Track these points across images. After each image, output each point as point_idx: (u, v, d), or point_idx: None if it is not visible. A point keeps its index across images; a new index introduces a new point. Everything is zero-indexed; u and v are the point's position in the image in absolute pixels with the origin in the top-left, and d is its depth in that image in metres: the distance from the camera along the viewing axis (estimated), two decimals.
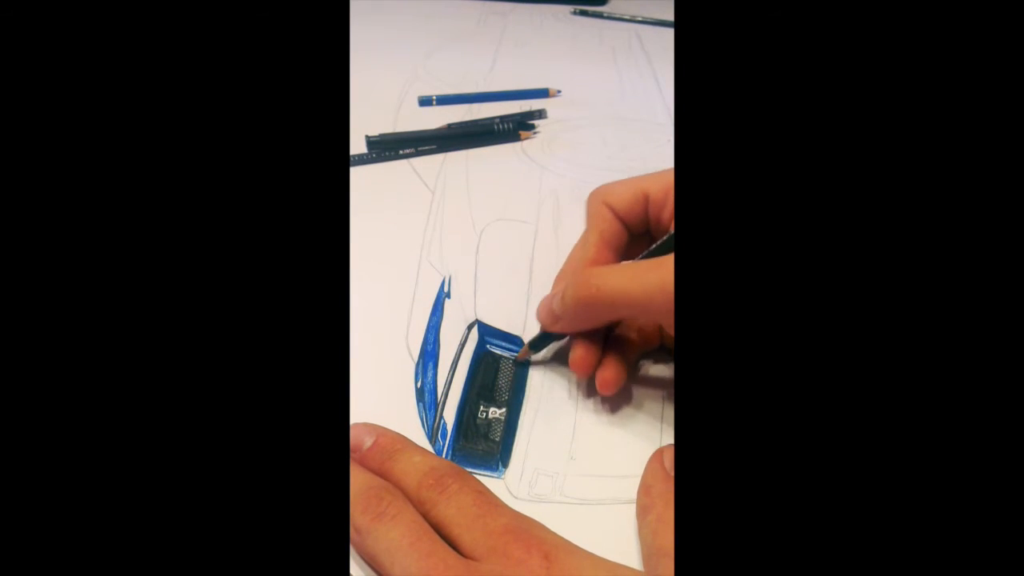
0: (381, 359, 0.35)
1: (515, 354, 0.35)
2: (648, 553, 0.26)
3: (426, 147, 0.51)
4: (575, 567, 0.24)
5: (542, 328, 0.34)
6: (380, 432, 0.29)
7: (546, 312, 0.33)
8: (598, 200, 0.35)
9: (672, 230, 0.32)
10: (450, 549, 0.24)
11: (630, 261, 0.31)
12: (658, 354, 0.35)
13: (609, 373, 0.32)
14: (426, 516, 0.25)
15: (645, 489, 0.27)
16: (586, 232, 0.35)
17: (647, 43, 0.69)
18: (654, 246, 0.32)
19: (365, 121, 0.53)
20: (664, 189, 0.33)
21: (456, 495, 0.26)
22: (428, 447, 0.31)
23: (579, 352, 0.32)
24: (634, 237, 0.35)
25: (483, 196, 0.47)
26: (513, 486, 0.29)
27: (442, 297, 0.39)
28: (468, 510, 0.25)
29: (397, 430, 0.31)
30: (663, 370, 0.35)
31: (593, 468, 0.30)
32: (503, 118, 0.55)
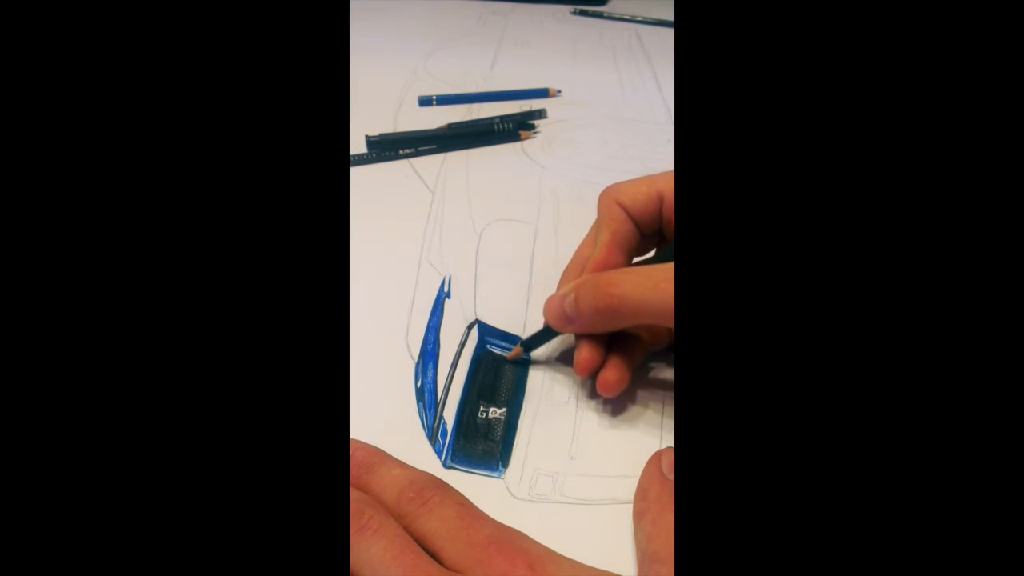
0: (381, 359, 0.35)
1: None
2: (642, 558, 0.26)
3: (426, 147, 0.51)
4: None
5: (547, 326, 0.33)
6: (357, 446, 0.29)
7: (556, 312, 0.32)
8: (610, 199, 0.34)
9: None
10: (434, 562, 0.24)
11: (646, 265, 0.30)
12: (661, 355, 0.35)
13: (611, 375, 0.31)
14: (407, 529, 0.25)
15: (642, 493, 0.27)
16: (596, 231, 0.34)
17: (647, 43, 0.69)
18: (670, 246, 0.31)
19: (365, 121, 0.53)
20: None
21: (438, 507, 0.25)
22: (428, 447, 0.31)
23: (584, 353, 0.32)
24: (644, 237, 0.34)
25: (483, 196, 0.47)
26: (513, 486, 0.29)
27: (442, 297, 0.39)
28: (451, 522, 0.25)
29: (397, 430, 0.31)
30: (665, 370, 0.35)
31: (593, 468, 0.30)
32: (503, 118, 0.55)
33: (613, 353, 0.32)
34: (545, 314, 0.33)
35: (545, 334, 0.34)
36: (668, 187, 0.33)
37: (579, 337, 0.32)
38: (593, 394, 0.33)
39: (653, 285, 0.28)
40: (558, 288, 0.35)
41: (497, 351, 0.35)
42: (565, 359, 0.34)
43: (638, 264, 0.35)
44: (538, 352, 0.35)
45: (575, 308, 0.31)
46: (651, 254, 0.36)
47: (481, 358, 0.35)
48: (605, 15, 0.75)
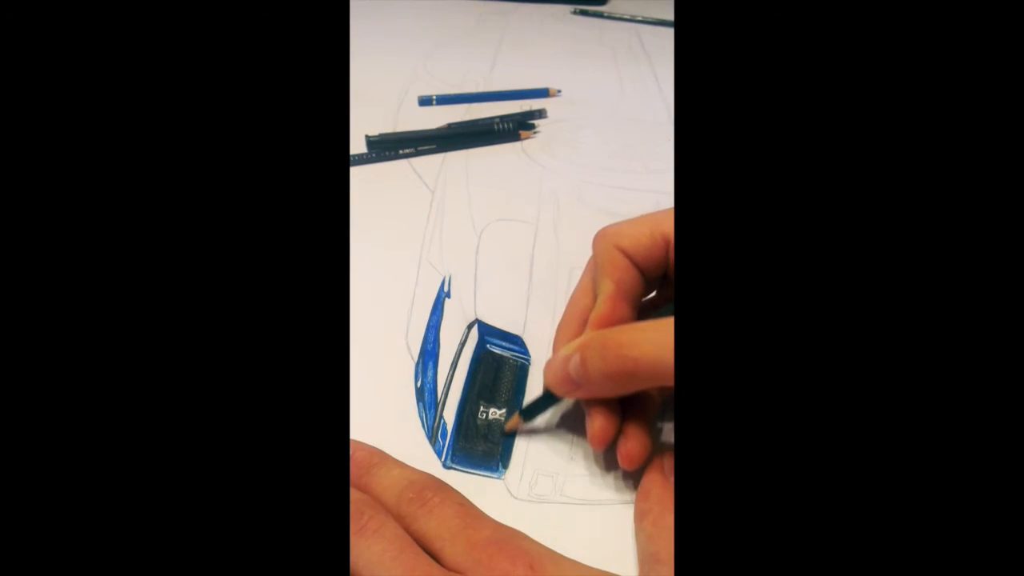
0: (381, 359, 0.35)
1: (516, 354, 0.35)
2: (643, 559, 0.26)
3: (426, 147, 0.51)
4: None
5: (548, 391, 0.30)
6: (357, 446, 0.29)
7: (560, 377, 0.28)
8: (609, 244, 0.30)
9: None
10: (434, 562, 0.24)
11: (659, 319, 0.26)
12: None
13: (633, 446, 0.28)
14: (407, 530, 0.25)
15: (643, 494, 0.27)
16: (595, 279, 0.31)
17: (647, 43, 0.69)
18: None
19: (365, 121, 0.53)
20: None
21: (438, 508, 0.25)
22: (428, 447, 0.31)
23: (598, 422, 0.28)
24: (648, 283, 0.31)
25: (483, 196, 0.47)
26: (513, 486, 0.29)
27: (442, 296, 0.39)
28: (450, 522, 0.25)
29: (397, 430, 0.31)
30: None
31: (593, 468, 0.30)
32: (503, 118, 0.55)
33: (629, 418, 0.29)
34: (546, 378, 0.30)
35: (546, 400, 0.31)
36: (672, 228, 0.30)
37: (589, 403, 0.29)
38: None
39: (673, 344, 0.24)
40: (555, 346, 0.32)
41: (497, 351, 0.35)
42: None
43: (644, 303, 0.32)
44: (537, 354, 0.35)
45: (582, 372, 0.27)
46: (653, 294, 0.33)
47: (481, 358, 0.35)
48: (605, 15, 0.75)
